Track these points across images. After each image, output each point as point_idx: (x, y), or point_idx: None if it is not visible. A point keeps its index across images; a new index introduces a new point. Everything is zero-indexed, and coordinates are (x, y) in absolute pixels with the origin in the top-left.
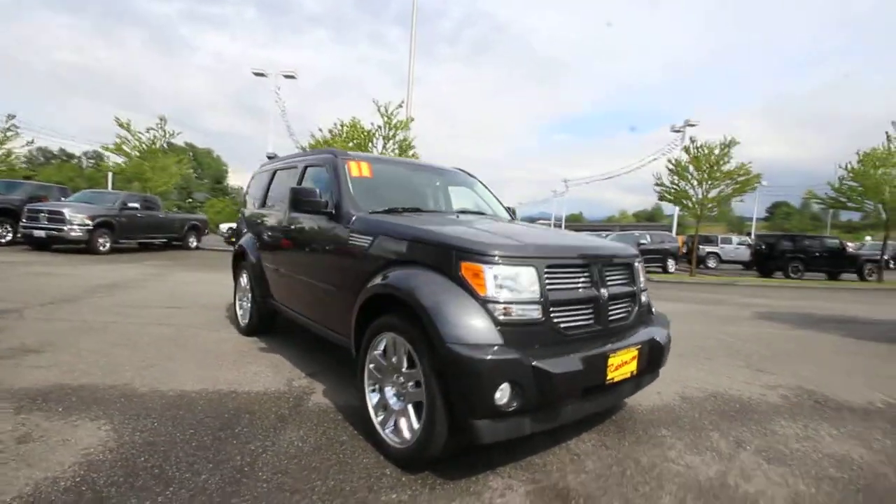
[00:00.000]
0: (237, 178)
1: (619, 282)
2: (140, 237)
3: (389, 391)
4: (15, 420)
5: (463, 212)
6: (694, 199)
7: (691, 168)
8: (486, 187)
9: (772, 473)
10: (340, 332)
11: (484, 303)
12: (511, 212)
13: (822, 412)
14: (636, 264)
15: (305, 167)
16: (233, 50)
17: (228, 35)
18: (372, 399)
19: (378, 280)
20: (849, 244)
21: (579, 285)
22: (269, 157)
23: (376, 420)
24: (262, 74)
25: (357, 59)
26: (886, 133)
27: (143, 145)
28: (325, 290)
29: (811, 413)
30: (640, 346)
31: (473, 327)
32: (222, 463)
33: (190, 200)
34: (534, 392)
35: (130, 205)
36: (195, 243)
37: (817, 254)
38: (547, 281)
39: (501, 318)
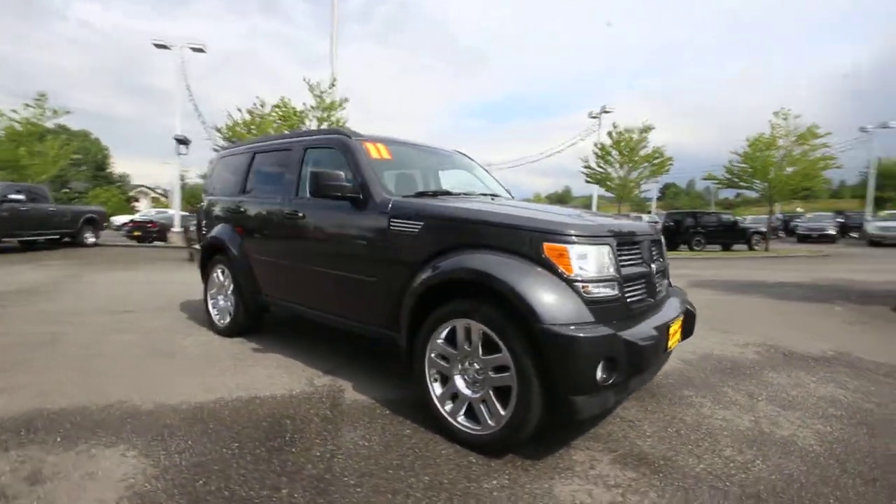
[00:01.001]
0: (125, 165)
1: (658, 257)
2: (24, 234)
3: (459, 379)
4: (9, 458)
5: (484, 194)
6: (617, 181)
7: (614, 152)
8: (485, 169)
9: (791, 418)
10: (376, 323)
11: (570, 282)
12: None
13: (794, 363)
14: (663, 240)
15: (305, 149)
16: (109, 20)
17: (100, 3)
18: (435, 389)
19: (444, 266)
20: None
21: (638, 261)
22: (179, 141)
23: (444, 410)
24: (164, 46)
25: (255, 34)
26: (770, 121)
27: (19, 125)
28: (355, 282)
29: (786, 365)
30: (683, 315)
31: (567, 307)
32: (296, 473)
33: (66, 191)
34: (625, 365)
35: (12, 196)
36: (92, 239)
37: (715, 228)
38: (619, 258)
39: (587, 295)
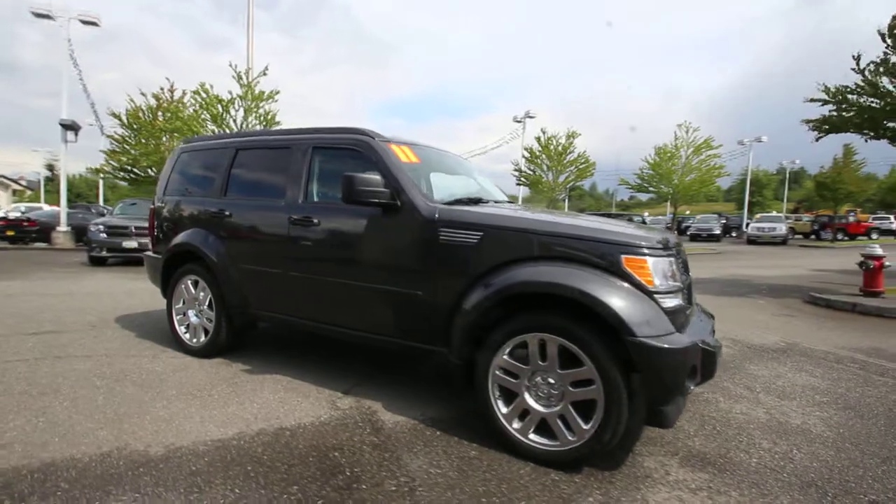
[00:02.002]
0: None
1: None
2: None
3: (528, 395)
4: None
5: (505, 201)
6: (547, 184)
7: (544, 156)
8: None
9: (793, 407)
10: (419, 339)
11: (651, 294)
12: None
13: (762, 355)
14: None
15: (312, 148)
16: None
17: None
18: (500, 407)
19: (517, 278)
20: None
21: (682, 271)
22: (66, 126)
23: (512, 428)
24: (46, 16)
25: (143, 9)
26: (675, 132)
27: None
28: (394, 294)
29: (756, 357)
30: (711, 318)
31: (654, 318)
32: None
33: None
34: (700, 370)
35: None
36: None
37: None
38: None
39: (665, 306)
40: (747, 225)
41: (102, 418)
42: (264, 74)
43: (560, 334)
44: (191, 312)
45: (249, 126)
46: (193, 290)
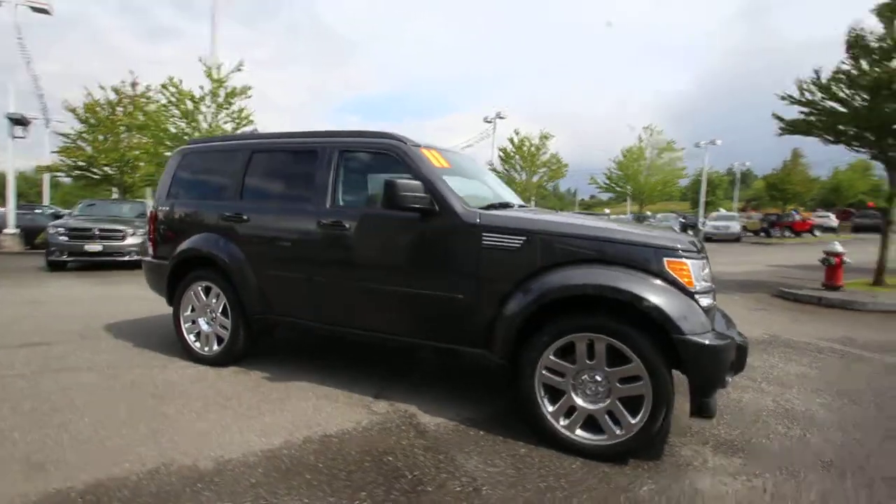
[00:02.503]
0: None
1: None
2: None
3: (574, 393)
4: None
5: (519, 204)
6: (520, 184)
7: (517, 157)
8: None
9: (794, 394)
10: (460, 341)
11: (692, 294)
12: None
13: (752, 347)
14: None
15: (339, 152)
16: None
17: None
18: (547, 405)
19: (564, 281)
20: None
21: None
22: (15, 121)
23: (559, 425)
24: None
25: None
26: (639, 136)
27: None
28: (434, 298)
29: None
30: (725, 315)
31: (697, 317)
32: None
33: None
34: (735, 364)
35: None
36: None
37: None
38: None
39: (703, 305)
40: (703, 223)
41: (134, 433)
42: (239, 70)
43: (609, 334)
44: (201, 320)
45: (220, 123)
46: (205, 297)
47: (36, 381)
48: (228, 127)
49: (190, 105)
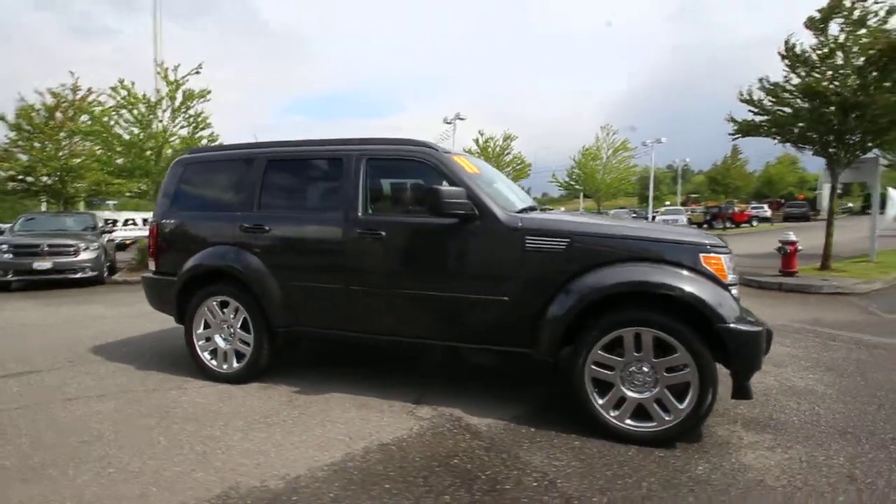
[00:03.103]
0: None
1: None
2: None
3: (623, 385)
4: None
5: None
6: None
7: (482, 157)
8: None
9: (790, 372)
10: (506, 342)
11: (726, 287)
12: None
13: None
14: None
15: (366, 159)
16: None
17: None
18: (597, 398)
19: (613, 279)
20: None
21: None
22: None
23: (610, 416)
24: None
25: None
26: (597, 135)
27: None
28: (479, 302)
29: None
30: None
31: (734, 307)
32: None
33: None
34: (765, 348)
35: None
36: None
37: None
38: None
39: (734, 295)
40: (654, 217)
41: (184, 459)
42: (197, 73)
43: (656, 327)
44: (218, 337)
45: (177, 128)
46: (221, 313)
47: (45, 412)
48: (184, 132)
49: (143, 109)
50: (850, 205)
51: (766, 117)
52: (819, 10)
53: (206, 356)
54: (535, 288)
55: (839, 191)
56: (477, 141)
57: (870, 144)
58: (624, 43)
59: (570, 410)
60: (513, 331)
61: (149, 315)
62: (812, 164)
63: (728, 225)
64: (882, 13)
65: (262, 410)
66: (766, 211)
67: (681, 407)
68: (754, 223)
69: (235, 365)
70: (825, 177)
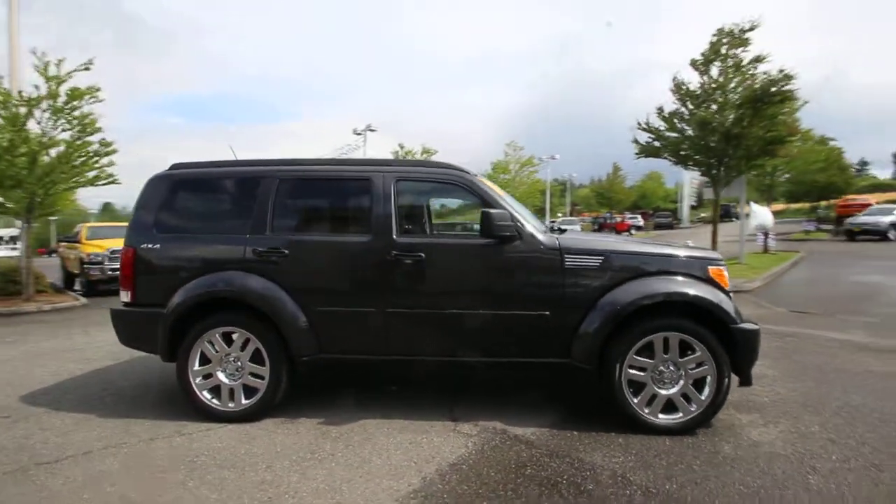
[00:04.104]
0: None
1: None
2: None
3: (657, 384)
4: None
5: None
6: None
7: None
8: None
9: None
10: (545, 354)
11: (727, 293)
12: None
13: None
14: None
15: (396, 181)
16: None
17: None
18: (632, 398)
19: (646, 290)
20: None
21: None
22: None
23: (645, 412)
24: None
25: None
26: (505, 150)
27: None
28: (521, 318)
29: None
30: None
31: (737, 310)
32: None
33: None
34: None
35: None
36: None
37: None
38: None
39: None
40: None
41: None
42: (86, 69)
43: (682, 331)
44: (220, 373)
45: (59, 130)
46: (226, 345)
47: (41, 478)
48: (66, 136)
49: (19, 109)
50: (704, 215)
51: (662, 143)
52: (702, 54)
53: (206, 395)
54: (574, 302)
55: (693, 203)
56: (396, 154)
57: (744, 168)
58: (513, 66)
59: (596, 411)
60: (552, 343)
61: (59, 354)
62: (671, 179)
63: (611, 233)
64: (747, 61)
65: (301, 447)
66: (640, 221)
67: (702, 398)
68: (633, 231)
69: (244, 402)
70: (683, 191)
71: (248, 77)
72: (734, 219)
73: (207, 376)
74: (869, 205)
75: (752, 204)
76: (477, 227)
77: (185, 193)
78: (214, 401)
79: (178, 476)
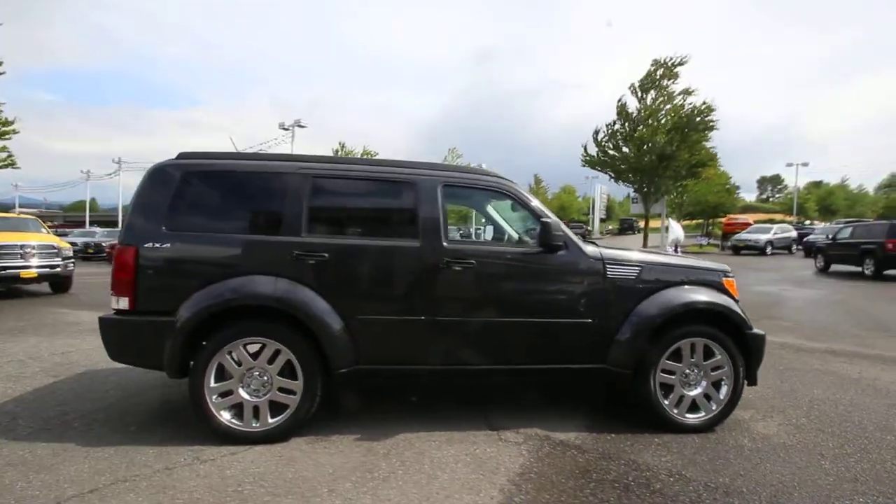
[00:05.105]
0: None
1: None
2: None
3: (683, 386)
4: None
5: None
6: None
7: None
8: None
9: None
10: (586, 360)
11: (737, 301)
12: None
13: None
14: None
15: (442, 186)
16: None
17: None
18: (663, 400)
19: (676, 301)
20: None
21: None
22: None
23: (674, 412)
24: None
25: None
26: (446, 156)
27: None
28: (567, 325)
29: None
30: None
31: (748, 317)
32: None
33: None
34: None
35: None
36: None
37: None
38: None
39: None
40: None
41: None
42: None
43: (706, 336)
44: (242, 390)
45: None
46: (252, 359)
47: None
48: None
49: None
50: (611, 227)
51: (607, 158)
52: (639, 81)
53: (225, 415)
54: (614, 310)
55: (603, 216)
56: (336, 152)
57: (671, 187)
58: (436, 74)
59: (619, 414)
60: (593, 349)
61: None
62: (581, 192)
63: None
64: (678, 92)
65: (354, 467)
66: None
67: (721, 398)
68: None
69: (271, 420)
70: (594, 204)
71: (144, 57)
72: (637, 231)
73: (225, 394)
74: (749, 224)
75: (670, 220)
76: (472, 233)
77: (202, 188)
78: (235, 420)
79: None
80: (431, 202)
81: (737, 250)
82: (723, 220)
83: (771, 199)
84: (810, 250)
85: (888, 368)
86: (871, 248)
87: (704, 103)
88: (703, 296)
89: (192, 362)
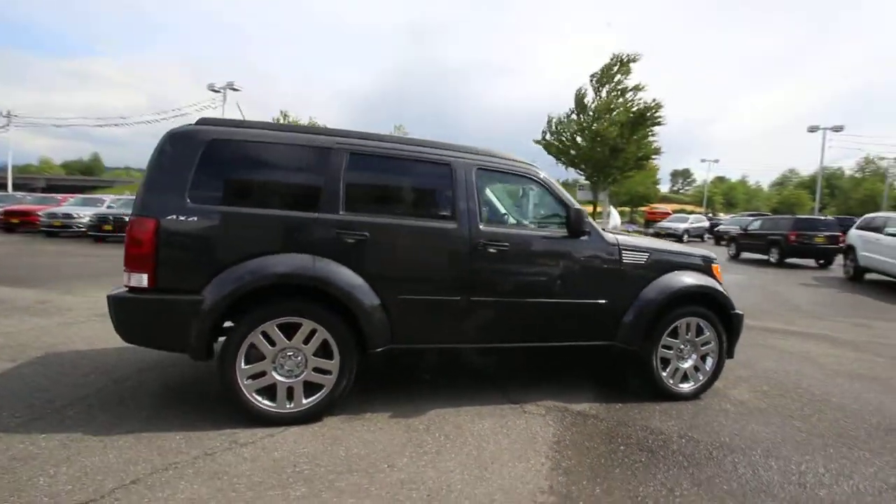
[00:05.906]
0: None
1: None
2: None
3: (678, 360)
4: None
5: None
6: None
7: None
8: None
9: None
10: (598, 337)
11: (721, 284)
12: None
13: None
14: None
15: (476, 169)
16: None
17: None
18: (662, 372)
19: (677, 285)
20: None
21: None
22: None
23: (670, 383)
24: None
25: None
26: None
27: None
28: (585, 306)
29: None
30: None
31: (732, 299)
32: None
33: None
34: None
35: None
36: None
37: None
38: None
39: None
40: None
41: None
42: None
43: (700, 316)
44: (274, 372)
45: None
46: (286, 339)
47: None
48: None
49: None
50: None
51: (562, 146)
52: (597, 73)
53: (257, 397)
54: (626, 292)
55: None
56: (277, 120)
57: (619, 177)
58: (361, 47)
59: (618, 384)
60: (604, 327)
61: None
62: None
63: None
64: (630, 87)
65: (402, 443)
66: None
67: (707, 370)
68: None
69: (305, 401)
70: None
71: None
72: None
73: (257, 375)
74: (668, 213)
75: (611, 207)
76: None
77: (230, 158)
78: (266, 402)
79: (301, 490)
80: (465, 185)
81: (658, 237)
82: (645, 209)
83: (681, 192)
84: (720, 238)
85: (814, 343)
86: (776, 240)
87: (654, 100)
88: (698, 280)
89: (217, 343)
